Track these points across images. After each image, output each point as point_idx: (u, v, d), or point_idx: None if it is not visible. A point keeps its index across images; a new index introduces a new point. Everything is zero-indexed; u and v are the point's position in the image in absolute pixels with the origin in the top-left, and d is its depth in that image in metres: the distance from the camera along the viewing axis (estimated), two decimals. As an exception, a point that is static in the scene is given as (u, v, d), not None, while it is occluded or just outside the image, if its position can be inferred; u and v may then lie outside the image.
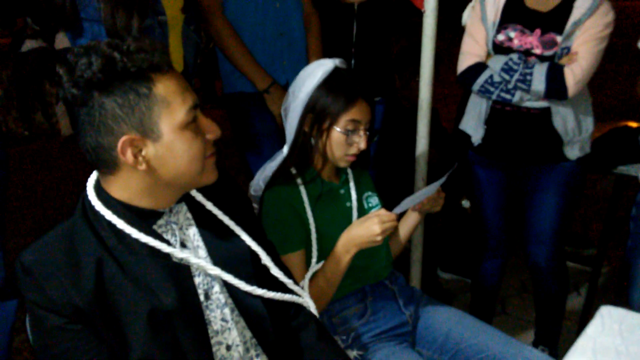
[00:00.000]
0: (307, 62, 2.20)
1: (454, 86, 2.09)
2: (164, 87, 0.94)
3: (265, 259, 1.16)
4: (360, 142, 1.48)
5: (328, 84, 1.45)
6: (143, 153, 0.95)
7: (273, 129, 2.13)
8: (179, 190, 1.05)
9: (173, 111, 0.95)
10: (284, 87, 2.12)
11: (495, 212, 2.09)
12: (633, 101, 1.81)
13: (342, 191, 1.60)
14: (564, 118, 1.84)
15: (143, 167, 0.95)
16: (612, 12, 1.75)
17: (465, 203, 2.72)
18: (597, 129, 2.14)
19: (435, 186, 1.55)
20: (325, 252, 1.48)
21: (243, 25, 2.04)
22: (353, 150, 1.49)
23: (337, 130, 1.46)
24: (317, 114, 1.46)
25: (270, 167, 1.58)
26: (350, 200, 1.60)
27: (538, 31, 1.78)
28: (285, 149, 1.57)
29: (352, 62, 2.28)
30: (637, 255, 1.77)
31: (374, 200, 1.67)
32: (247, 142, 2.18)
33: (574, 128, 1.86)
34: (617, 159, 2.27)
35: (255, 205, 1.60)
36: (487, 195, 2.07)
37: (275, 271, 1.18)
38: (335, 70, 1.47)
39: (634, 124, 2.48)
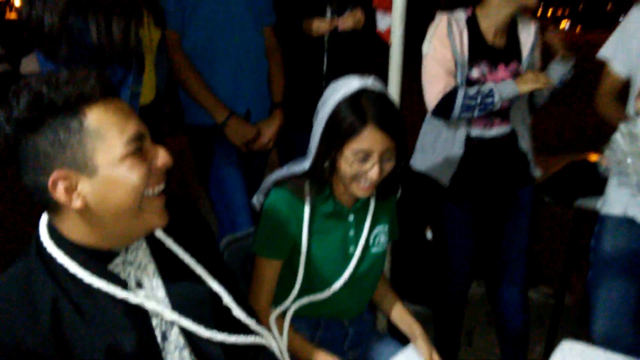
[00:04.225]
0: (269, 93, 2.22)
1: (420, 116, 2.10)
2: (97, 119, 0.89)
3: (227, 300, 1.12)
4: (371, 172, 1.32)
5: (343, 105, 1.32)
6: (78, 189, 0.90)
7: (234, 160, 2.13)
8: (128, 234, 0.99)
9: (109, 144, 0.89)
10: (245, 117, 2.13)
11: (464, 249, 2.10)
12: (592, 133, 1.87)
13: (350, 218, 1.49)
14: (526, 140, 1.96)
15: (78, 204, 0.90)
16: None
17: (430, 234, 2.73)
18: (557, 162, 2.19)
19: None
20: (311, 279, 1.45)
21: (202, 57, 2.05)
22: (363, 182, 1.35)
23: (343, 159, 1.34)
24: (330, 137, 1.34)
25: (289, 169, 1.47)
26: (353, 228, 1.50)
27: (502, 65, 1.86)
28: (308, 162, 1.43)
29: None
30: (597, 287, 1.81)
31: (383, 237, 1.55)
32: (208, 173, 2.16)
33: (530, 149, 1.99)
34: (577, 192, 2.33)
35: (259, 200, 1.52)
36: (456, 234, 2.08)
37: (237, 312, 1.13)
38: (357, 92, 1.32)
39: (593, 157, 2.55)
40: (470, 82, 1.87)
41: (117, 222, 0.95)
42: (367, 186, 1.36)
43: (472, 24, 1.88)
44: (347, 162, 1.33)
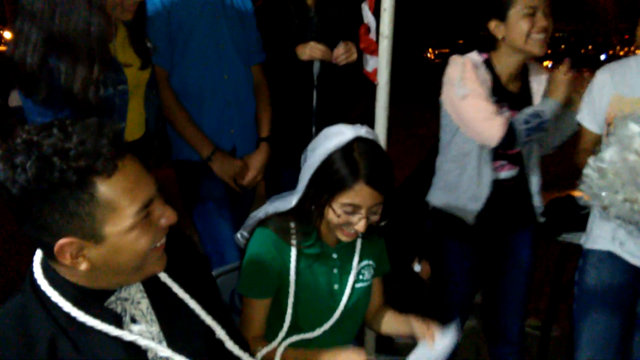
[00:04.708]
0: (255, 129, 2.25)
1: (408, 151, 2.14)
2: (109, 190, 0.87)
3: (220, 333, 1.13)
4: (357, 225, 1.34)
5: (336, 156, 1.32)
6: (84, 253, 0.90)
7: (221, 193, 2.14)
8: (126, 282, 1.01)
9: (119, 215, 0.88)
10: (231, 152, 2.15)
11: (464, 287, 2.09)
12: (575, 169, 1.90)
13: (334, 256, 1.50)
14: (536, 184, 1.99)
15: (83, 267, 0.90)
16: None
17: (417, 267, 2.72)
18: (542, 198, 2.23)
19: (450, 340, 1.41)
20: (298, 319, 1.44)
21: (191, 94, 2.08)
22: (349, 230, 1.36)
23: (331, 209, 1.34)
24: (320, 186, 1.35)
25: (274, 206, 1.47)
26: (337, 266, 1.50)
27: (516, 112, 1.86)
28: (295, 199, 1.44)
29: (313, 130, 2.34)
30: (582, 320, 1.83)
31: (368, 272, 1.55)
32: (195, 206, 2.16)
33: (539, 193, 2.01)
34: (562, 227, 2.36)
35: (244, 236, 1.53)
36: (457, 272, 2.07)
37: (229, 345, 1.14)
38: (350, 143, 1.31)
39: (577, 194, 2.59)
40: None
41: (118, 275, 0.97)
42: (352, 234, 1.38)
43: (489, 67, 1.90)
44: (335, 213, 1.34)
